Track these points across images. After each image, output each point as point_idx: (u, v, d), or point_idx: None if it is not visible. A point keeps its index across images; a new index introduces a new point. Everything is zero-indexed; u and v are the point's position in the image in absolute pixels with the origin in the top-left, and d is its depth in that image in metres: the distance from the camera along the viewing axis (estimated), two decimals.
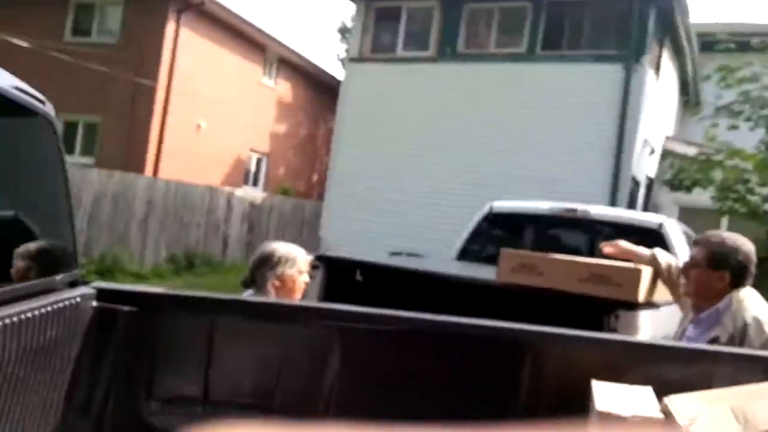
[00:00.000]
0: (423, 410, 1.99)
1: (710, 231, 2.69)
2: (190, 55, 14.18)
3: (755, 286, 2.58)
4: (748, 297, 2.49)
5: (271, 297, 2.75)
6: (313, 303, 2.89)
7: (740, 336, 2.36)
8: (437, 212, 11.04)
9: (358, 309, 2.10)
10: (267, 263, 2.79)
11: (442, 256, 6.33)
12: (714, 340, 2.43)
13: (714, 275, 2.51)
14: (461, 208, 8.95)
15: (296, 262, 2.83)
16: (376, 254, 8.41)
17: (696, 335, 2.55)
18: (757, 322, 2.38)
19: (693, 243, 2.72)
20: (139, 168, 13.16)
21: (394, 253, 8.17)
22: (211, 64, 14.94)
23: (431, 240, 10.10)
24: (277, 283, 2.78)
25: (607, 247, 3.08)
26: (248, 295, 2.77)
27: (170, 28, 13.81)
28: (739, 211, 9.47)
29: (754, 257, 2.54)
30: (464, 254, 5.50)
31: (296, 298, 2.84)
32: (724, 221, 12.08)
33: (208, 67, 14.83)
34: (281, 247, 2.87)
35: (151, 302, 2.15)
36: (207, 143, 14.94)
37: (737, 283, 2.50)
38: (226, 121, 15.51)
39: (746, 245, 2.55)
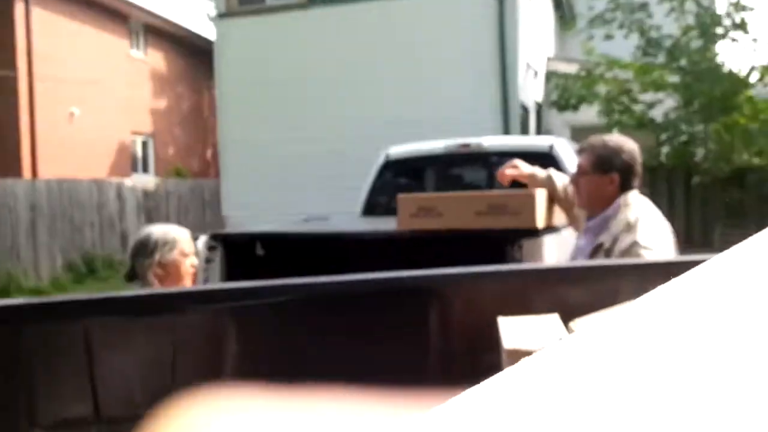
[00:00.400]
0: (332, 375, 1.88)
1: (592, 137, 2.63)
2: (46, 36, 13.04)
3: (649, 193, 2.56)
4: (635, 201, 2.43)
5: (156, 288, 2.51)
6: (194, 287, 2.69)
7: (617, 239, 2.31)
8: (340, 167, 10.86)
9: (243, 284, 1.94)
10: (143, 251, 2.55)
11: (351, 215, 6.23)
12: (599, 247, 2.37)
13: (603, 179, 2.44)
14: (363, 159, 8.82)
15: (177, 244, 2.58)
16: (285, 222, 8.22)
17: (585, 245, 2.48)
18: (628, 224, 2.33)
19: (578, 152, 2.66)
20: (15, 171, 12.27)
21: (304, 219, 7.99)
22: (72, 42, 13.81)
23: (341, 198, 9.93)
24: (159, 271, 2.54)
25: (507, 169, 3.01)
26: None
27: (19, 9, 12.67)
28: (627, 123, 9.80)
29: (638, 156, 2.49)
30: (370, 208, 5.43)
31: (186, 286, 2.60)
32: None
33: (70, 47, 13.70)
34: (157, 230, 2.62)
35: (11, 315, 1.91)
36: (84, 132, 13.99)
37: (625, 185, 2.44)
38: (100, 104, 14.53)
39: (628, 144, 2.50)
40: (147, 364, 1.88)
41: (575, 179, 2.57)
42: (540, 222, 2.75)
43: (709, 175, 8.66)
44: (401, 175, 5.72)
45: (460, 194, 3.01)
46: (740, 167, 8.65)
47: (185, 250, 2.61)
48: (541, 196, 2.76)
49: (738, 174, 8.51)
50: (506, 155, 5.25)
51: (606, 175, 2.43)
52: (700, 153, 9.36)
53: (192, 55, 17.91)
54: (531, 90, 11.85)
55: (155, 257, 2.53)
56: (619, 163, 2.44)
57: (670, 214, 8.60)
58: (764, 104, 8.88)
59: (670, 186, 8.97)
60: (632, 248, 2.25)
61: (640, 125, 9.61)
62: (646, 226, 2.32)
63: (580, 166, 2.53)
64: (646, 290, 1.37)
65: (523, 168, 2.98)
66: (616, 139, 2.55)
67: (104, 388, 1.84)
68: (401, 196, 3.08)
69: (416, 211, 2.97)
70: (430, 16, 10.78)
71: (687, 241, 8.29)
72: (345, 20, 11.18)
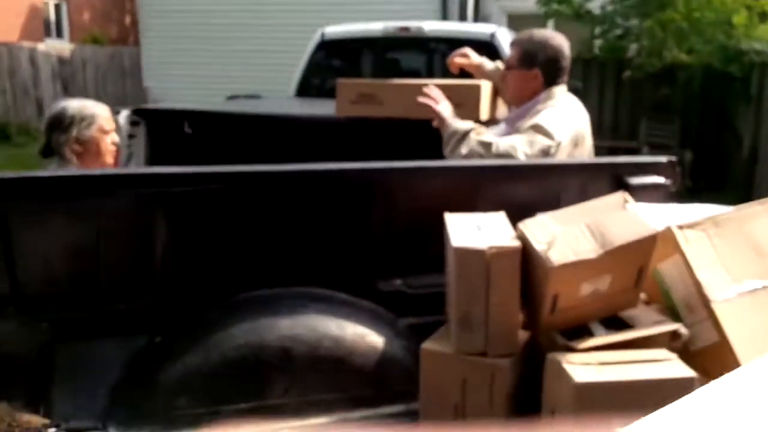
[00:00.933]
0: (272, 268, 1.84)
1: (523, 31, 2.61)
2: None
3: (582, 85, 2.55)
4: (559, 95, 2.45)
5: (74, 165, 2.38)
6: (121, 169, 2.56)
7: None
8: (270, 46, 10.41)
9: (175, 170, 1.83)
10: (59, 126, 2.39)
11: (282, 95, 6.01)
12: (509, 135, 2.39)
13: (528, 74, 2.45)
14: (294, 39, 8.44)
15: (95, 120, 2.43)
16: (211, 100, 7.89)
17: (502, 133, 2.49)
18: (536, 111, 2.36)
19: (510, 46, 2.64)
20: None
21: (231, 97, 7.69)
22: None
23: (270, 78, 9.58)
24: (76, 147, 2.40)
25: (456, 57, 2.92)
26: (52, 167, 2.40)
27: None
28: (564, 13, 9.69)
29: (565, 52, 2.48)
30: (303, 89, 5.25)
31: (107, 164, 2.48)
32: (551, 25, 12.41)
33: None
34: (73, 105, 2.46)
35: None
36: None
37: (550, 80, 2.45)
38: None
39: (555, 39, 2.49)
40: (68, 246, 1.78)
41: (504, 74, 2.58)
42: (484, 114, 2.68)
43: (641, 71, 8.74)
44: (336, 57, 5.51)
45: (402, 82, 2.88)
46: (671, 63, 8.75)
47: (105, 127, 2.48)
48: (486, 87, 2.68)
49: (668, 70, 8.62)
50: (446, 42, 5.13)
51: (530, 70, 2.45)
52: (633, 48, 9.39)
53: None
54: None
55: (72, 133, 2.40)
56: (543, 58, 2.44)
57: (599, 106, 8.64)
58: (698, 3, 8.90)
59: (601, 78, 9.02)
60: (530, 128, 2.28)
61: (577, 16, 9.52)
62: (552, 113, 2.34)
63: (508, 61, 2.54)
64: (587, 190, 1.34)
65: (473, 57, 2.89)
66: (543, 33, 2.54)
67: (23, 267, 1.74)
68: (341, 81, 2.93)
69: (356, 98, 2.84)
70: None
71: (614, 133, 8.50)
72: None
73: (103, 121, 2.47)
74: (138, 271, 1.81)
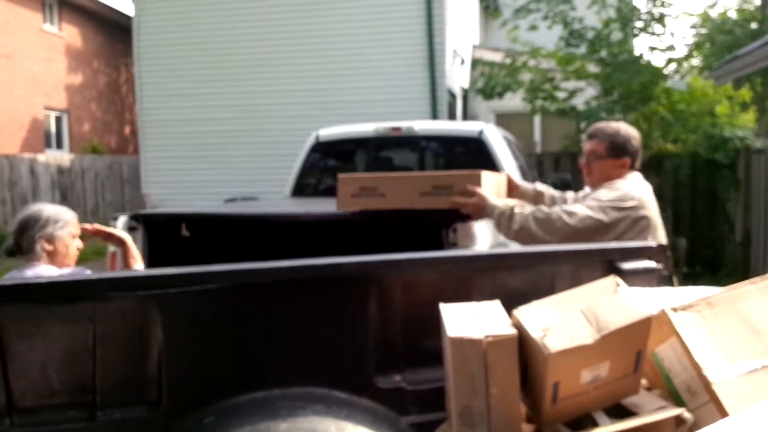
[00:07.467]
0: (269, 368, 1.82)
1: (600, 124, 2.91)
2: None
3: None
4: (632, 177, 2.75)
5: (43, 262, 2.54)
6: (117, 273, 2.58)
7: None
8: (267, 150, 10.66)
9: (170, 271, 1.84)
10: (34, 225, 2.56)
11: (279, 196, 6.11)
12: None
13: (616, 163, 2.75)
14: (290, 142, 8.66)
15: (68, 224, 2.63)
16: (209, 204, 7.97)
17: None
18: (614, 188, 2.65)
19: (588, 137, 2.90)
20: None
21: (229, 200, 7.82)
22: None
23: (267, 180, 9.76)
24: (47, 246, 2.56)
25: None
26: (13, 273, 2.50)
27: None
28: (549, 110, 9.98)
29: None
30: (299, 189, 5.35)
31: (70, 266, 2.64)
32: (537, 121, 12.78)
33: None
34: (49, 207, 2.66)
35: None
36: None
37: (632, 167, 2.78)
38: (11, 78, 13.87)
39: (634, 131, 2.83)
40: (64, 353, 1.75)
41: (588, 163, 2.83)
42: None
43: None
44: (331, 157, 5.65)
45: (403, 174, 2.95)
46: (657, 153, 8.97)
47: (74, 232, 2.67)
48: (486, 177, 2.76)
49: (655, 160, 8.81)
50: (437, 140, 5.29)
51: (620, 159, 2.75)
52: None
53: (109, 31, 17.24)
54: (458, 76, 11.92)
55: (46, 231, 2.56)
56: (631, 148, 2.76)
57: None
58: (679, 95, 9.22)
59: None
60: (585, 199, 2.61)
61: (562, 113, 9.81)
62: (614, 191, 2.63)
63: (594, 151, 2.81)
64: (580, 275, 1.35)
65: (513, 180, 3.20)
66: (625, 127, 2.84)
67: (17, 378, 1.71)
68: (342, 176, 3.00)
69: (357, 192, 2.90)
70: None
71: None
72: None
73: (73, 227, 2.66)
74: (133, 377, 1.78)
